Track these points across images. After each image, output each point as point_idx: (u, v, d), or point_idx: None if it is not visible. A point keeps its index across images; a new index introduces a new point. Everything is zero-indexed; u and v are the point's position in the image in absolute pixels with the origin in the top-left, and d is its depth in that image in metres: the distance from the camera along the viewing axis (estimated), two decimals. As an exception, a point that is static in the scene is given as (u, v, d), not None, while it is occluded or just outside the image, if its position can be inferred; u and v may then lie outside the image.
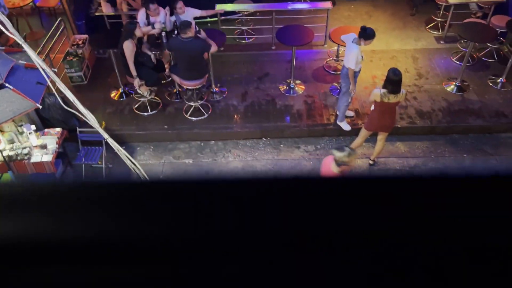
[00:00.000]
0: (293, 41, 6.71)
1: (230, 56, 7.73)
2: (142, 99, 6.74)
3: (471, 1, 7.96)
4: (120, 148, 1.85)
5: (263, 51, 7.97)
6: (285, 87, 7.12)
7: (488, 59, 7.60)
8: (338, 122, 6.40)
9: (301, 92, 7.04)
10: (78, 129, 5.93)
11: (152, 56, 6.39)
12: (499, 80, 7.05)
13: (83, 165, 5.98)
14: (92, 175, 6.06)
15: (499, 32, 7.10)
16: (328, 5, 7.70)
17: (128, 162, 1.82)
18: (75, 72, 7.14)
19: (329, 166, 4.35)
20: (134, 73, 6.06)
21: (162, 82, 6.97)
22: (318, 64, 7.61)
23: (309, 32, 6.81)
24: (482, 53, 7.69)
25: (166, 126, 6.56)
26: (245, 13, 8.24)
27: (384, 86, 5.07)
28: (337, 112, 6.51)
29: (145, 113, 6.74)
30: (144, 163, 6.26)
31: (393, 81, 4.95)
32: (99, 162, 5.94)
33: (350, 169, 4.38)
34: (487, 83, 7.09)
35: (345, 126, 6.37)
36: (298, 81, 7.18)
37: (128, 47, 5.86)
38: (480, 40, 6.95)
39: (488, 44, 7.55)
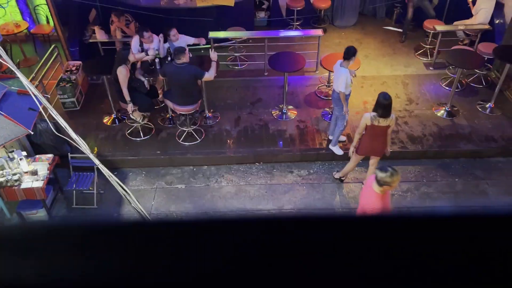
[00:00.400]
0: (285, 67, 6.82)
1: (223, 82, 7.81)
2: (135, 125, 6.75)
3: (458, 29, 8.17)
4: (111, 174, 1.84)
5: (255, 77, 8.07)
6: (277, 112, 7.18)
7: (476, 84, 7.75)
8: (330, 147, 6.44)
9: (293, 117, 7.09)
10: (69, 155, 5.89)
11: (146, 82, 6.44)
12: (487, 105, 7.17)
13: (74, 191, 5.91)
14: (83, 201, 5.99)
15: (486, 58, 7.28)
16: (319, 32, 7.87)
17: (119, 189, 1.80)
18: (68, 98, 7.15)
19: (370, 186, 4.34)
20: (127, 98, 6.09)
21: (155, 107, 7.00)
22: (310, 90, 7.70)
23: (301, 58, 6.93)
24: (471, 79, 7.85)
25: (158, 151, 6.55)
26: (238, 40, 8.38)
27: (374, 110, 5.13)
28: (330, 137, 6.56)
29: (138, 139, 6.74)
30: (136, 188, 6.21)
31: (383, 105, 5.02)
32: (90, 188, 5.88)
33: (392, 189, 4.39)
34: (476, 108, 7.20)
35: (338, 150, 6.40)
36: (290, 106, 7.24)
37: (122, 73, 5.90)
38: (468, 67, 7.10)
39: (476, 70, 7.71)
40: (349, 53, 5.60)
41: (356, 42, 8.99)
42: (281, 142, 6.66)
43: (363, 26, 9.55)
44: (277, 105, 7.30)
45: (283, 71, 6.84)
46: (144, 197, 6.09)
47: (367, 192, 4.35)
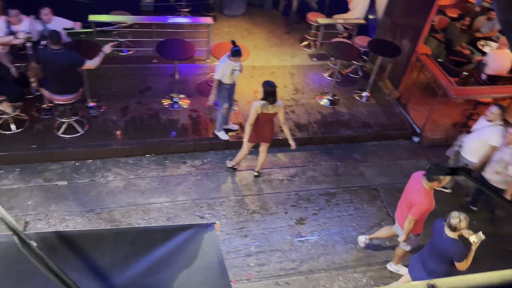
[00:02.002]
0: (175, 55, 6.62)
1: (107, 69, 7.28)
2: (4, 116, 5.99)
3: (337, 22, 8.77)
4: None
5: (144, 64, 7.71)
6: (168, 102, 6.97)
7: (354, 75, 8.43)
8: (216, 132, 6.49)
9: (185, 107, 6.95)
10: None
11: (13, 69, 5.73)
12: (363, 94, 7.85)
13: None
14: None
15: (362, 51, 7.94)
16: (209, 20, 7.79)
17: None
18: None
19: (419, 182, 4.36)
20: None
21: (28, 97, 6.29)
22: (201, 79, 7.62)
23: (191, 46, 6.79)
24: (349, 69, 8.51)
25: (34, 146, 5.91)
26: (123, 24, 7.90)
27: (263, 98, 5.31)
28: (226, 125, 6.61)
29: (9, 132, 5.99)
30: (8, 188, 5.54)
31: (270, 92, 5.26)
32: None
33: (441, 186, 4.43)
34: (354, 97, 7.84)
35: (223, 135, 6.49)
36: (182, 96, 7.08)
37: None
38: (346, 58, 7.66)
39: (354, 62, 8.38)
40: (232, 52, 5.70)
41: (245, 31, 9.13)
42: (173, 133, 6.49)
43: (251, 16, 9.72)
44: (168, 94, 7.08)
45: (172, 59, 6.63)
46: (19, 196, 5.46)
47: (415, 187, 4.44)
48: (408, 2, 7.68)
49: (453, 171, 2.09)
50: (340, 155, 6.89)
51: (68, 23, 6.26)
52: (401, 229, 4.72)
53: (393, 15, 8.01)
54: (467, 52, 8.53)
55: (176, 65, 6.69)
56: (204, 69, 7.87)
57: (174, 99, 6.95)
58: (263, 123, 5.51)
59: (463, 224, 3.92)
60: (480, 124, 5.58)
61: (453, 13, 9.65)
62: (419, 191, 4.39)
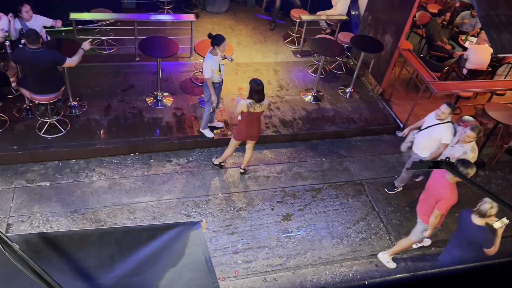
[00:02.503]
0: (158, 52, 6.55)
1: (89, 67, 7.21)
2: (-16, 117, 5.86)
3: (320, 18, 8.80)
4: None
5: (126, 63, 7.63)
6: (152, 100, 6.91)
7: (338, 71, 8.49)
8: (201, 130, 6.46)
9: (169, 105, 6.90)
10: None
11: (-8, 68, 5.62)
12: (347, 90, 7.91)
13: None
14: None
15: (345, 47, 7.99)
16: (191, 17, 7.74)
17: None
18: None
19: (444, 177, 4.42)
20: None
21: (8, 97, 6.16)
22: (185, 76, 7.57)
23: (174, 44, 6.73)
24: (333, 65, 8.56)
25: (15, 146, 5.80)
26: (104, 22, 7.80)
27: (250, 97, 5.29)
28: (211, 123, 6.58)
29: (-12, 133, 5.87)
30: (-11, 190, 5.42)
31: (257, 91, 5.23)
32: None
33: (469, 177, 4.45)
34: (338, 93, 7.90)
35: (208, 133, 6.46)
36: (165, 93, 7.03)
37: None
38: (329, 54, 7.70)
39: (337, 58, 8.43)
40: (217, 41, 5.63)
41: (229, 28, 9.10)
42: (157, 131, 6.44)
43: (234, 13, 9.69)
44: (152, 92, 7.02)
45: (155, 57, 6.57)
46: (0, 198, 5.35)
47: (440, 183, 4.51)
48: (389, -2, 7.76)
49: (436, 164, 2.13)
50: (325, 150, 6.94)
51: (48, 21, 6.14)
52: (423, 223, 4.87)
53: (375, 11, 8.07)
54: (448, 47, 8.67)
55: (159, 62, 6.63)
56: (188, 66, 7.82)
57: (157, 97, 6.90)
58: (250, 121, 5.49)
59: (494, 211, 4.07)
60: (430, 121, 5.52)
61: (434, 9, 9.80)
62: (444, 186, 4.50)
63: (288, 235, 5.57)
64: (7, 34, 5.84)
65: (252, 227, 5.57)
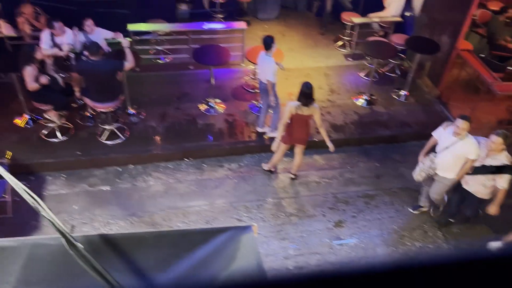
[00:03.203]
0: (211, 60, 6.73)
1: (146, 76, 7.54)
2: (52, 125, 6.29)
3: (373, 21, 8.61)
4: (17, 181, 1.66)
5: (181, 71, 7.89)
6: (205, 107, 7.09)
7: (391, 74, 8.25)
8: (270, 135, 6.52)
9: (221, 111, 7.05)
10: (-24, 161, 5.35)
11: (59, 79, 6.02)
12: (402, 93, 7.66)
13: (-17, 200, 5.38)
14: (-5, 211, 5.48)
15: (399, 49, 7.76)
16: (243, 25, 7.87)
17: (26, 197, 1.64)
18: (-28, 98, 6.48)
19: None
20: (34, 85, 5.62)
21: (73, 105, 6.59)
22: (236, 83, 7.70)
23: (226, 51, 6.88)
24: (386, 68, 8.33)
25: (79, 152, 6.17)
26: (160, 32, 8.12)
27: (298, 99, 5.30)
28: (258, 129, 6.63)
29: (55, 140, 6.29)
30: (56, 193, 5.81)
31: (305, 94, 5.23)
32: (4, 196, 5.39)
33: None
34: (392, 96, 7.67)
35: (274, 133, 6.58)
36: (218, 100, 7.19)
37: (27, 72, 5.50)
38: (383, 57, 7.51)
39: (391, 60, 8.20)
40: (267, 44, 5.81)
41: (279, 34, 9.14)
42: (210, 137, 6.59)
43: (285, 19, 9.72)
44: (204, 99, 7.20)
45: (208, 65, 6.75)
46: (66, 202, 5.72)
47: None
48: (446, -3, 7.44)
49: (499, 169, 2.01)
50: (379, 155, 6.75)
51: (109, 34, 6.49)
52: None
53: (431, 11, 7.78)
54: (511, 46, 8.15)
55: (212, 70, 6.79)
56: (239, 73, 7.95)
57: (210, 104, 7.06)
58: (297, 124, 5.48)
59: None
60: (447, 139, 4.97)
61: (495, 6, 9.24)
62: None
63: (341, 242, 5.47)
64: (72, 47, 6.24)
65: (303, 233, 5.53)
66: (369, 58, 8.12)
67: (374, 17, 8.57)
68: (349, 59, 8.58)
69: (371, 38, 8.33)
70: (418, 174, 5.34)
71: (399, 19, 8.34)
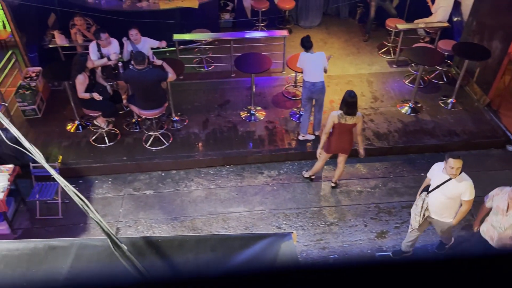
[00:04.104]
0: (252, 68, 6.80)
1: (189, 84, 7.73)
2: (100, 131, 6.58)
3: (419, 27, 8.39)
4: (68, 184, 1.76)
5: (222, 79, 8.02)
6: (246, 114, 7.15)
7: (438, 81, 7.98)
8: (316, 132, 6.63)
9: (262, 118, 7.09)
10: (31, 165, 5.67)
11: (108, 87, 6.30)
12: (449, 101, 7.39)
13: (37, 202, 5.69)
14: (47, 211, 5.78)
15: (446, 55, 7.50)
16: (284, 33, 7.91)
17: (76, 199, 1.73)
18: (28, 105, 6.89)
19: None
20: (86, 95, 5.92)
21: (120, 112, 6.85)
22: (277, 91, 7.72)
23: (267, 59, 6.93)
24: (432, 75, 8.07)
25: (125, 157, 6.40)
26: (203, 42, 8.31)
27: (340, 108, 5.22)
28: (300, 137, 6.62)
29: (103, 145, 6.56)
30: (102, 196, 6.04)
31: (348, 103, 5.12)
32: (55, 198, 5.68)
33: None
34: (438, 104, 7.41)
35: (310, 136, 6.67)
36: (258, 108, 7.24)
37: (79, 80, 5.80)
38: (429, 63, 7.29)
39: (437, 67, 7.94)
40: (307, 44, 6.02)
41: (321, 42, 9.09)
42: (250, 144, 6.64)
43: (327, 26, 9.66)
44: (245, 106, 7.28)
45: (250, 73, 6.83)
46: (112, 205, 5.93)
47: None
48: (497, 1, 7.13)
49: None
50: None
51: (155, 43, 6.72)
52: None
53: (481, 15, 7.47)
54: None
55: (253, 78, 6.86)
56: (280, 81, 7.97)
57: (251, 111, 7.12)
58: (341, 133, 5.39)
59: None
60: (438, 177, 4.45)
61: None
62: None
63: (383, 254, 5.32)
64: (120, 56, 6.51)
65: (344, 243, 5.44)
66: (414, 65, 7.90)
67: (420, 23, 8.35)
68: (393, 66, 8.39)
69: (417, 44, 8.11)
70: (413, 219, 4.71)
71: (446, 24, 8.07)
